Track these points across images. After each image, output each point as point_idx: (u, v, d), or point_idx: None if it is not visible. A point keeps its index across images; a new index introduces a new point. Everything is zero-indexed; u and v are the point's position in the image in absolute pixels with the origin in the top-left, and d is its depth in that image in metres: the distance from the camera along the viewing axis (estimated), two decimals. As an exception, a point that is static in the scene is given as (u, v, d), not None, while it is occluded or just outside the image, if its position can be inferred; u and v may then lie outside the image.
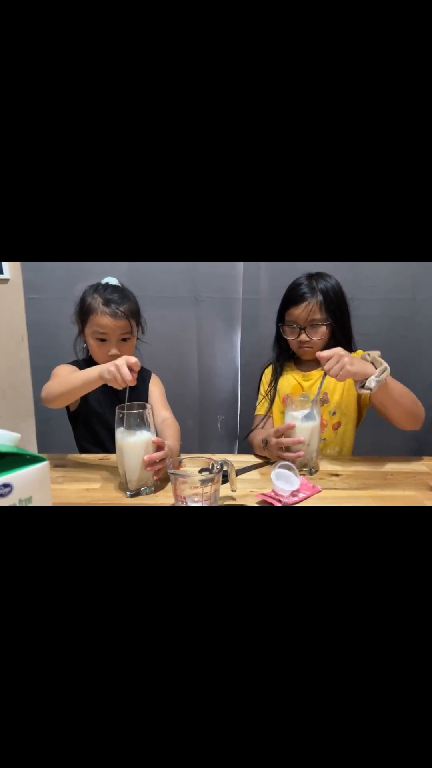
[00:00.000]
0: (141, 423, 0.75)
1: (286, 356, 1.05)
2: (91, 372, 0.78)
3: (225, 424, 1.36)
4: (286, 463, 0.75)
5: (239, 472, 0.83)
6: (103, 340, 0.91)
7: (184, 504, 0.65)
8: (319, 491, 0.76)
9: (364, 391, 0.78)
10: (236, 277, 1.25)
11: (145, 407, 0.76)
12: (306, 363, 1.02)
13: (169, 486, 0.73)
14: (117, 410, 0.74)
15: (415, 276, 1.25)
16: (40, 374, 1.24)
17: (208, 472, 0.67)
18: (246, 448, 1.05)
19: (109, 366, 0.73)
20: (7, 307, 1.38)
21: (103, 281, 0.95)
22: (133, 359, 0.73)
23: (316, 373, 0.99)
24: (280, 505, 0.70)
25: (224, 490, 0.71)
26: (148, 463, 0.73)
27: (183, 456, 0.78)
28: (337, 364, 0.76)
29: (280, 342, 1.03)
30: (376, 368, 0.78)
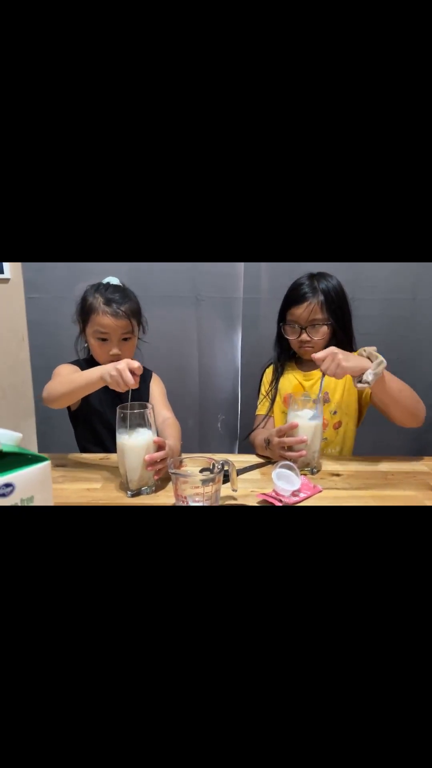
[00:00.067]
0: (142, 423, 0.75)
1: (287, 356, 1.05)
2: (93, 374, 0.78)
3: (225, 423, 1.36)
4: (287, 462, 0.75)
5: (240, 471, 0.83)
6: (104, 339, 0.91)
7: (185, 504, 0.65)
8: (320, 491, 0.76)
9: (362, 386, 0.78)
10: (237, 276, 1.25)
11: (146, 407, 0.76)
12: (307, 363, 1.02)
13: (170, 486, 0.73)
14: (118, 410, 0.74)
15: (415, 276, 1.25)
16: (41, 374, 1.24)
17: (209, 472, 0.67)
18: (246, 448, 1.05)
19: (111, 370, 0.73)
20: (7, 306, 1.38)
21: (105, 281, 0.95)
22: (135, 363, 0.72)
23: (317, 373, 0.99)
24: (281, 505, 0.70)
25: (225, 489, 0.71)
26: (149, 463, 0.73)
27: (184, 456, 0.78)
28: (332, 363, 0.77)
29: (281, 342, 1.03)
30: (372, 363, 0.78)
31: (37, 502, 0.51)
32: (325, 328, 0.95)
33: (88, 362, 0.98)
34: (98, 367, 0.78)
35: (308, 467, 0.85)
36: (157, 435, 0.78)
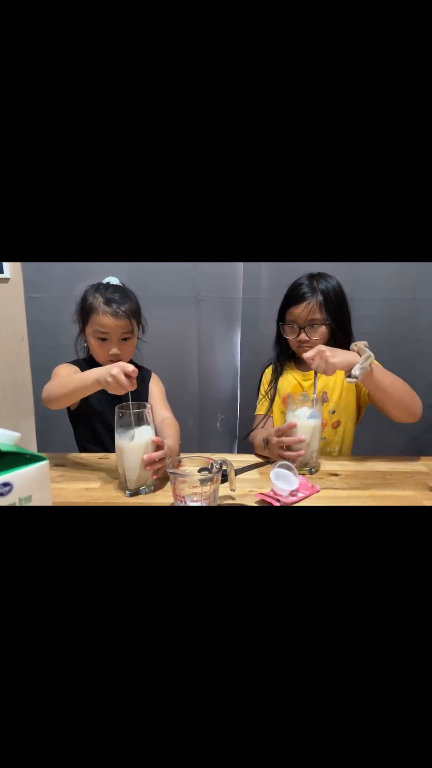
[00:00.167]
0: (141, 422, 0.75)
1: (286, 356, 1.05)
2: (88, 377, 0.78)
3: (225, 423, 1.36)
4: (285, 462, 0.75)
5: (238, 471, 0.83)
6: (104, 339, 0.92)
7: (183, 503, 0.66)
8: (318, 491, 0.76)
9: (350, 380, 0.78)
10: (237, 276, 1.25)
11: (144, 407, 0.76)
12: (306, 363, 1.02)
13: (169, 485, 0.73)
14: (117, 409, 0.74)
15: (415, 276, 1.25)
16: (41, 373, 1.24)
17: (207, 472, 0.67)
18: (245, 448, 1.05)
19: (106, 376, 0.73)
20: (7, 306, 1.38)
21: (104, 281, 0.95)
22: (130, 367, 0.72)
23: (324, 375, 0.99)
24: (278, 504, 0.70)
25: (223, 489, 0.71)
26: (148, 463, 0.73)
27: (182, 455, 0.78)
28: (321, 360, 0.77)
29: (281, 341, 1.03)
30: (361, 356, 0.78)
31: (35, 502, 0.51)
32: (323, 328, 0.95)
33: (87, 362, 0.98)
34: (93, 370, 0.78)
35: (306, 467, 0.85)
36: (156, 435, 0.78)
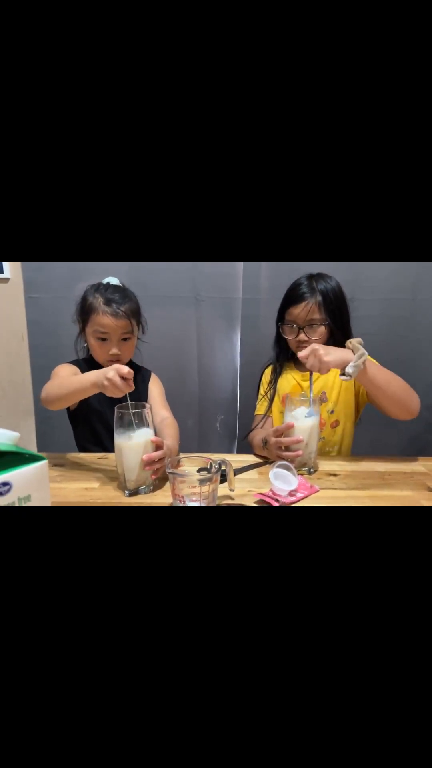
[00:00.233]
0: (140, 422, 0.75)
1: (285, 356, 1.05)
2: (86, 380, 0.78)
3: (224, 423, 1.37)
4: (284, 462, 0.75)
5: (237, 471, 0.83)
6: (104, 339, 0.92)
7: (182, 503, 0.66)
8: (317, 491, 0.76)
9: (344, 378, 0.78)
10: (236, 277, 1.25)
11: (144, 407, 0.76)
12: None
13: (168, 485, 0.74)
14: (116, 409, 0.74)
15: (415, 276, 1.25)
16: (41, 373, 1.24)
17: (206, 472, 0.67)
18: (245, 448, 1.05)
19: (102, 380, 0.73)
20: (7, 306, 1.38)
21: (104, 281, 0.95)
22: (125, 369, 0.72)
23: (316, 374, 0.99)
24: (277, 504, 0.70)
25: (222, 489, 0.71)
26: (147, 463, 0.73)
27: (182, 455, 0.78)
28: (315, 359, 0.77)
29: (280, 342, 1.03)
30: (355, 353, 0.78)
31: (34, 501, 0.51)
32: (322, 329, 0.96)
33: (87, 362, 0.98)
34: (91, 373, 0.78)
35: (305, 467, 0.85)
36: (156, 435, 0.78)
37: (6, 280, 1.40)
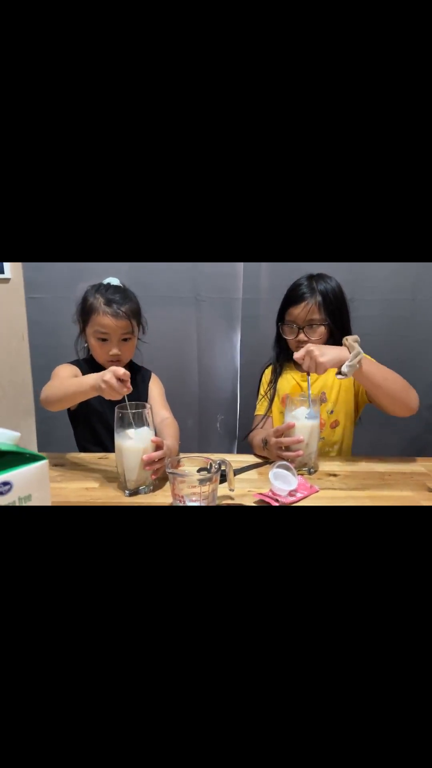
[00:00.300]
0: (140, 422, 0.75)
1: (285, 356, 1.05)
2: (85, 383, 0.78)
3: (224, 423, 1.37)
4: (284, 463, 0.75)
5: (237, 471, 0.83)
6: (104, 339, 0.92)
7: (182, 503, 0.66)
8: (317, 491, 0.77)
9: (340, 377, 0.78)
10: (236, 277, 1.25)
11: (144, 407, 0.76)
12: None
13: (168, 485, 0.74)
14: (116, 410, 0.74)
15: (415, 276, 1.25)
16: (41, 373, 1.24)
17: (206, 472, 0.67)
18: (245, 448, 1.05)
19: (100, 383, 0.73)
20: (8, 306, 1.38)
21: (105, 281, 0.96)
22: (121, 371, 0.72)
23: (315, 375, 0.99)
24: (277, 504, 0.70)
25: (222, 489, 0.71)
26: (147, 463, 0.73)
27: (182, 455, 0.78)
28: (310, 360, 0.77)
29: (280, 342, 1.04)
30: (350, 352, 0.78)
31: (34, 501, 0.51)
32: (322, 329, 0.96)
33: (87, 362, 0.98)
34: (90, 376, 0.78)
35: (305, 467, 0.85)
36: (156, 435, 0.78)
37: (7, 280, 1.40)
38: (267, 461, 0.89)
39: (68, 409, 1.00)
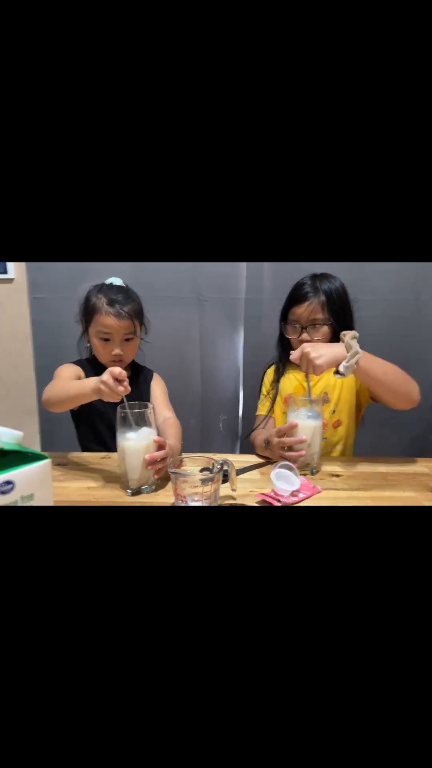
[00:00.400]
0: (142, 422, 0.75)
1: (288, 356, 1.05)
2: (86, 386, 0.78)
3: (227, 423, 1.37)
4: (286, 463, 0.75)
5: (239, 471, 0.83)
6: (106, 339, 0.92)
7: (184, 503, 0.66)
8: (319, 491, 0.76)
9: (337, 377, 0.77)
10: (239, 277, 1.25)
11: (146, 406, 0.76)
12: None
13: (170, 485, 0.74)
14: (119, 409, 0.74)
15: (418, 276, 1.24)
16: (44, 373, 1.25)
17: (208, 472, 0.67)
18: (247, 448, 1.05)
19: (100, 385, 0.73)
20: (11, 306, 1.39)
21: (107, 281, 0.96)
22: (117, 370, 0.72)
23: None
24: (279, 505, 0.70)
25: (224, 489, 0.71)
26: (149, 462, 0.73)
27: (184, 455, 0.78)
28: (307, 363, 0.76)
29: (283, 342, 1.03)
30: (348, 351, 0.77)
31: (37, 500, 0.51)
32: (325, 329, 0.95)
33: (90, 362, 0.98)
34: (90, 379, 0.79)
35: (308, 467, 0.85)
36: (158, 434, 0.79)
37: (10, 280, 1.41)
38: (269, 461, 0.89)
39: (71, 409, 1.00)
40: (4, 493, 0.48)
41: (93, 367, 0.96)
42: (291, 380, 1.03)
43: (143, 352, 1.02)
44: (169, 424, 0.94)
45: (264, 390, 1.07)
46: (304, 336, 0.96)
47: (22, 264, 1.31)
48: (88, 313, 0.94)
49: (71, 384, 0.87)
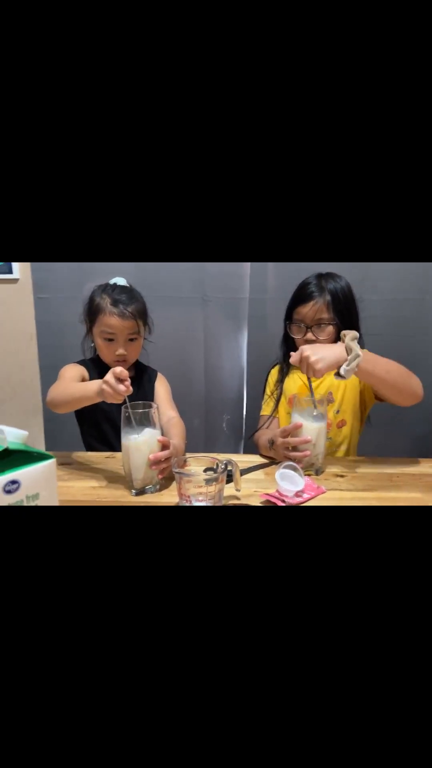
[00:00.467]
0: (147, 422, 0.75)
1: (293, 356, 1.04)
2: (90, 389, 0.78)
3: (231, 423, 1.37)
4: (291, 463, 0.75)
5: (244, 471, 0.83)
6: (110, 339, 0.92)
7: (188, 503, 0.66)
8: (324, 492, 0.76)
9: (338, 378, 0.77)
10: (243, 277, 1.25)
11: (150, 406, 0.76)
12: None
13: (174, 485, 0.74)
14: (123, 409, 0.75)
15: (423, 276, 1.24)
16: (49, 373, 1.25)
17: (212, 472, 0.67)
18: (251, 448, 1.05)
19: (102, 385, 0.73)
20: (16, 306, 1.39)
21: (111, 281, 0.96)
22: (118, 369, 0.72)
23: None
24: (284, 505, 0.70)
25: (229, 489, 0.71)
26: (154, 462, 0.74)
27: (188, 455, 0.78)
28: (307, 367, 0.76)
29: (287, 341, 1.03)
30: (349, 353, 0.76)
31: (42, 499, 0.51)
32: (330, 328, 0.95)
33: (94, 362, 0.99)
34: (94, 382, 0.79)
35: (312, 468, 0.85)
36: (162, 434, 0.79)
37: (15, 280, 1.41)
38: (273, 461, 0.89)
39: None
40: (9, 492, 0.48)
41: (97, 367, 0.97)
42: (295, 380, 1.03)
43: (147, 352, 1.02)
44: (173, 424, 0.94)
45: (268, 390, 1.07)
46: (309, 336, 0.95)
47: (27, 264, 1.31)
48: (92, 313, 0.94)
49: (75, 386, 0.87)
